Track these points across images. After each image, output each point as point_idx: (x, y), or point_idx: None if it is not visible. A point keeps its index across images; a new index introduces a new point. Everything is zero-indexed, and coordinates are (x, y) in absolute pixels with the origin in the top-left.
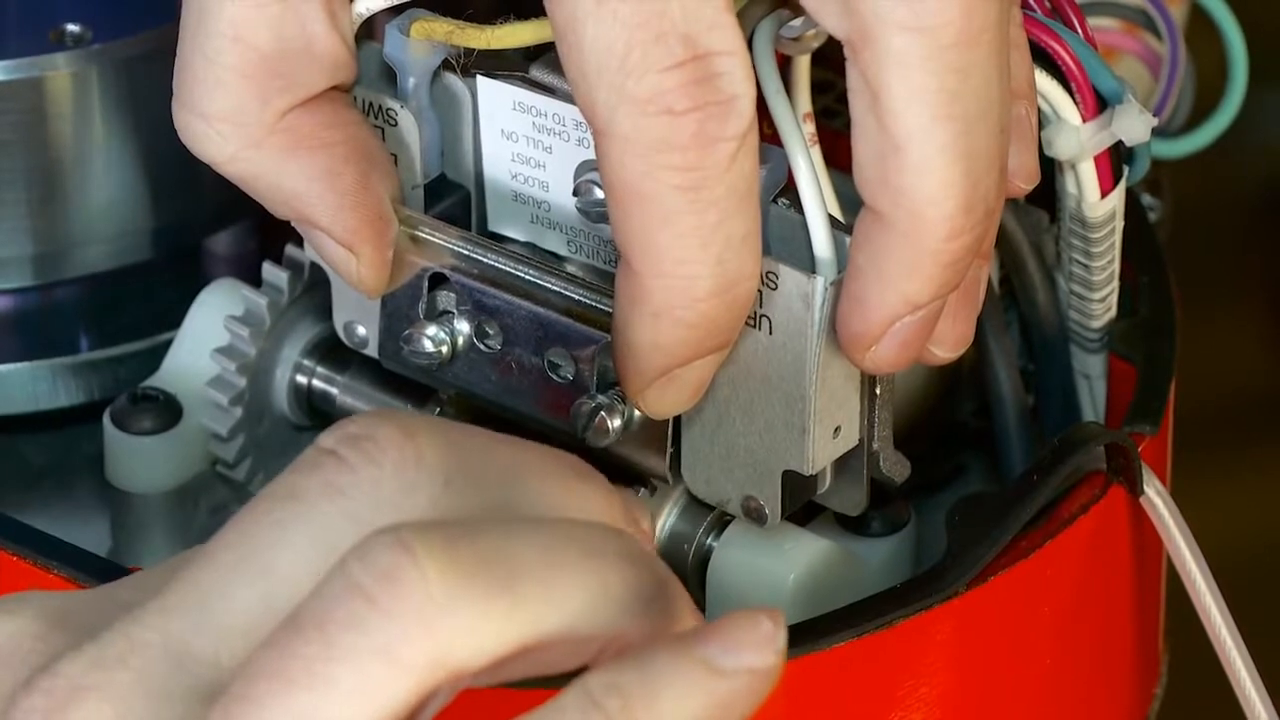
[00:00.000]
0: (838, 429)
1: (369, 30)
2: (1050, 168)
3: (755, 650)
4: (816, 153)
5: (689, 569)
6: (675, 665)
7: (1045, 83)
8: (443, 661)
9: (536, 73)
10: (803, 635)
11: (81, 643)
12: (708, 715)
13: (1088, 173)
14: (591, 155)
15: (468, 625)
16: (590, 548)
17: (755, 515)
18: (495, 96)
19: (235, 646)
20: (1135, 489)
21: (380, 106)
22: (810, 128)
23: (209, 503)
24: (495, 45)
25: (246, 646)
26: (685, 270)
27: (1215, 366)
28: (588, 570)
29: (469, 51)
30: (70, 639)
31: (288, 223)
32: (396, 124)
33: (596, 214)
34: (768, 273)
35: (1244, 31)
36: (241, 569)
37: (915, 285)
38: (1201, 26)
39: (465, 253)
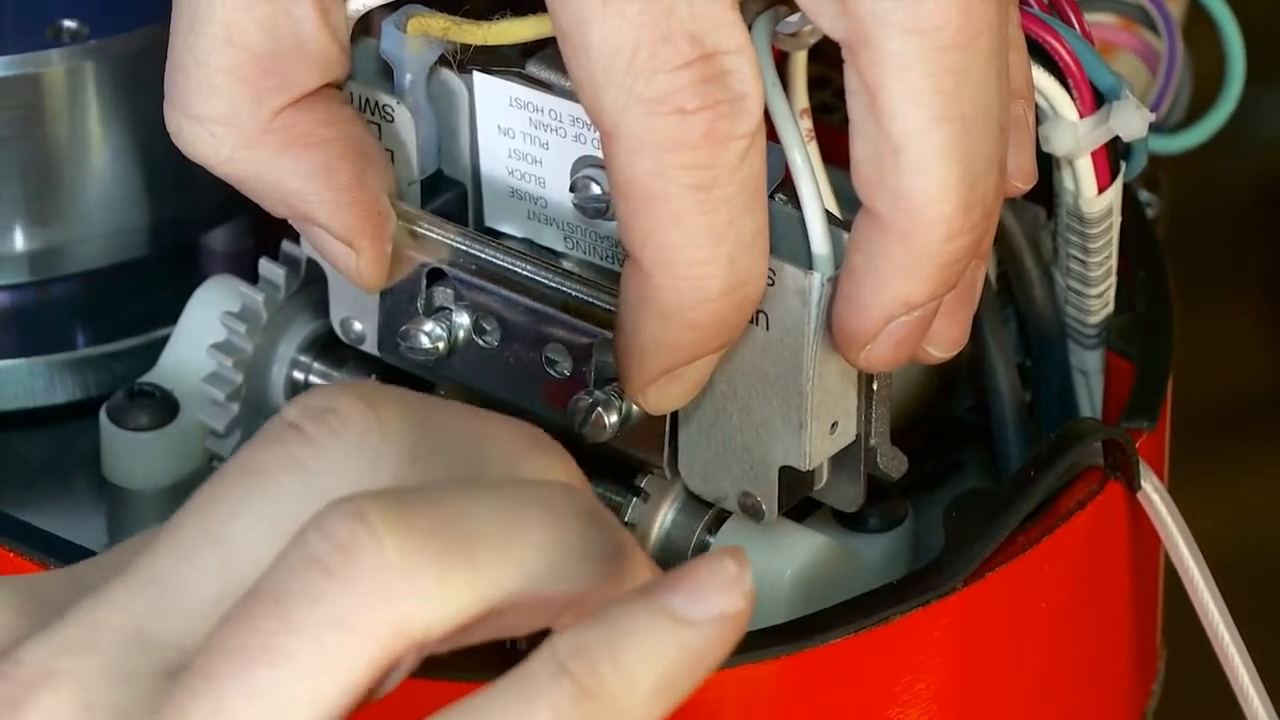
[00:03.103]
0: (835, 425)
1: (366, 26)
2: (1047, 164)
3: (722, 594)
4: (814, 148)
5: None
6: (639, 621)
7: (1042, 79)
8: (403, 630)
9: (533, 69)
10: (800, 631)
11: (45, 627)
12: (678, 668)
13: (1085, 168)
14: (588, 151)
15: (427, 592)
16: (548, 507)
17: (752, 511)
18: (492, 92)
19: (197, 625)
20: (1133, 485)
21: (377, 103)
22: (807, 123)
23: None
24: (492, 41)
25: (209, 624)
26: (697, 271)
27: (1212, 363)
28: (547, 530)
29: (465, 47)
30: (35, 623)
31: (285, 219)
32: (393, 120)
33: (593, 210)
34: None
35: (1241, 27)
36: (201, 546)
37: (912, 285)
38: (1199, 22)
39: (464, 248)
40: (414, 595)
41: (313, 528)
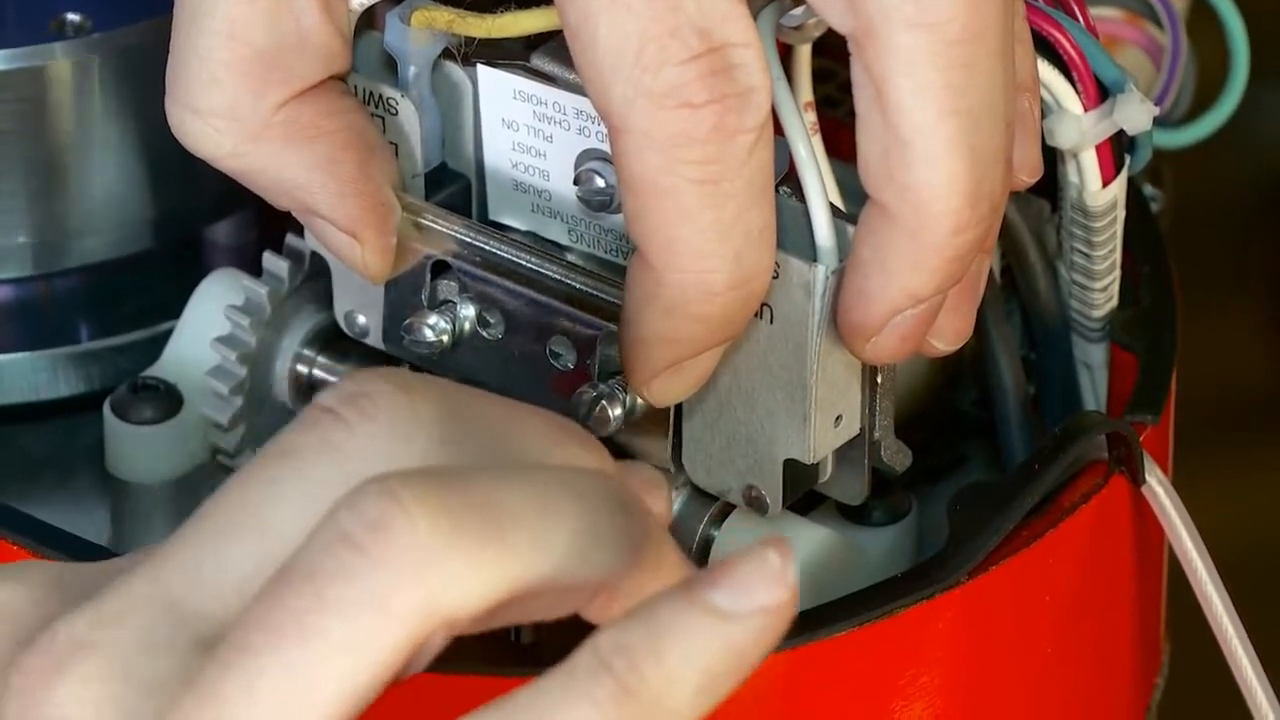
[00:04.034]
0: (839, 418)
1: (370, 19)
2: (1052, 157)
3: (765, 588)
4: (818, 141)
5: (691, 558)
6: (682, 617)
7: (1047, 72)
8: (433, 609)
9: (537, 61)
10: (804, 624)
11: (80, 604)
12: (721, 664)
13: (1089, 162)
14: (592, 144)
15: (458, 572)
16: (580, 493)
17: (756, 504)
18: (496, 85)
19: (230, 602)
20: (1137, 478)
21: (380, 96)
22: (811, 116)
23: (210, 492)
24: (496, 34)
25: (241, 602)
26: (703, 265)
27: (1216, 357)
28: (578, 516)
29: (469, 40)
30: (68, 602)
31: (288, 212)
32: (397, 113)
33: (597, 203)
34: None
35: (1245, 22)
36: (236, 526)
37: (918, 279)
38: (1203, 16)
39: (468, 240)
40: (445, 575)
41: (345, 506)
